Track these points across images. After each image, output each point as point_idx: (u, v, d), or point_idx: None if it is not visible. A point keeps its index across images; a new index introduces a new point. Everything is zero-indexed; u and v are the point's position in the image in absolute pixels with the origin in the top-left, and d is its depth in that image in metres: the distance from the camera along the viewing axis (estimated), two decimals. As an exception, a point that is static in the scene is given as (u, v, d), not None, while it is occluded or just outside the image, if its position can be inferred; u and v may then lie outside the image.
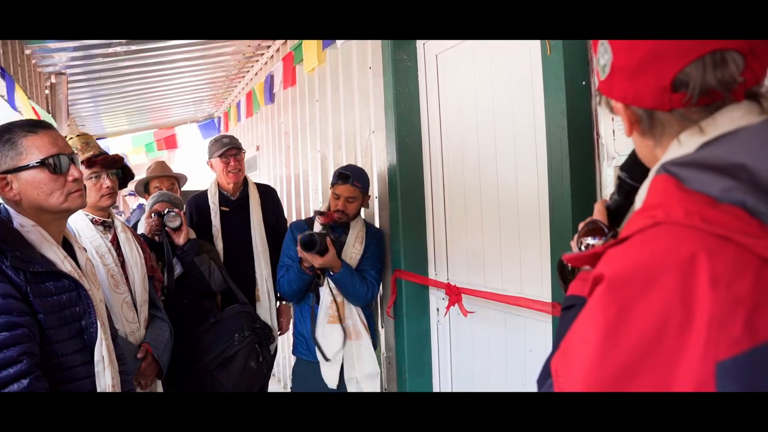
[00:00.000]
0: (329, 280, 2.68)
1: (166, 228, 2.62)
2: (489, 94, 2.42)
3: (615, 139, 1.71)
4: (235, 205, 3.17)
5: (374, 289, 2.76)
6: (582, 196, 1.80)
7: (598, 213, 1.02)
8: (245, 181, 3.27)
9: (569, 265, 1.05)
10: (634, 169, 0.95)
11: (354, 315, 2.72)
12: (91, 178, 2.13)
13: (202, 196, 3.24)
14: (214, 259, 2.87)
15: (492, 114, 2.41)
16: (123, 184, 2.37)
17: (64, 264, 1.49)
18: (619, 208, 1.01)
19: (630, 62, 0.72)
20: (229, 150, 3.11)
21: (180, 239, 2.68)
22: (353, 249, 2.73)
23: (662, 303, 0.59)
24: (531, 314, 2.19)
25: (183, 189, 4.06)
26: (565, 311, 0.93)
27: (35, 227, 1.47)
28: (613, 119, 1.71)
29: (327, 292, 2.70)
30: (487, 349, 2.53)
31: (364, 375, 2.71)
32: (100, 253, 2.11)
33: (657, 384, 0.59)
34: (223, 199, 3.18)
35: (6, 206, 1.49)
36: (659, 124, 0.73)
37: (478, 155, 2.52)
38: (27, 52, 4.10)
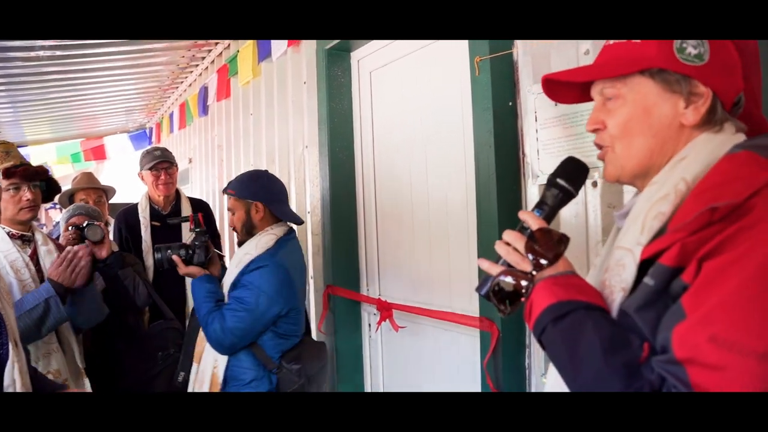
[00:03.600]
0: None
1: (87, 241, 2.48)
2: (421, 112, 2.47)
3: (539, 159, 1.78)
4: (166, 220, 3.07)
5: (222, 333, 2.00)
6: (508, 213, 1.86)
7: (537, 221, 0.97)
8: (177, 195, 3.18)
9: (513, 281, 0.94)
10: (575, 178, 1.02)
11: (209, 359, 2.14)
12: (9, 189, 2.00)
13: (132, 209, 3.11)
14: (139, 273, 2.76)
15: (423, 131, 2.46)
16: (48, 198, 2.25)
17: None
18: (549, 218, 1.01)
19: (728, 62, 0.90)
20: (160, 163, 3.02)
21: (102, 252, 2.55)
22: (229, 275, 2.16)
23: None
24: (461, 329, 2.23)
25: (111, 202, 3.89)
26: (559, 321, 0.87)
27: None
28: (537, 139, 1.78)
29: None
30: (419, 364, 2.55)
31: None
32: (16, 267, 1.98)
33: None
34: (153, 213, 3.07)
35: None
36: (716, 115, 0.90)
37: (409, 172, 2.56)
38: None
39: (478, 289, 1.00)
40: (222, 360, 2.08)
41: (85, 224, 2.39)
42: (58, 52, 4.18)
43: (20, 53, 4.09)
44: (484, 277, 0.99)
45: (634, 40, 0.93)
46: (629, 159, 0.94)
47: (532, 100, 1.79)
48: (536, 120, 1.77)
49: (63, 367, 2.02)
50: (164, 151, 3.13)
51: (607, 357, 0.80)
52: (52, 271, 1.97)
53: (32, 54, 4.12)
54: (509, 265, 0.96)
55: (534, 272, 0.93)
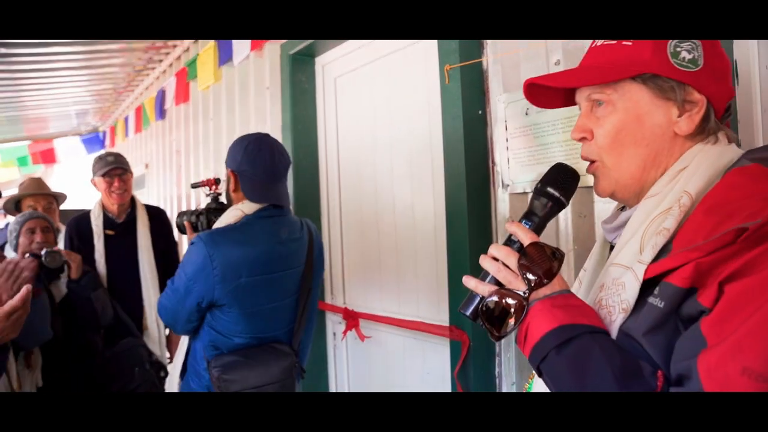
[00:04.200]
0: None
1: (46, 268, 2.35)
2: (387, 120, 2.46)
3: (510, 168, 1.78)
4: (120, 228, 2.94)
5: (161, 310, 1.87)
6: (478, 221, 1.85)
7: (529, 234, 0.90)
8: (133, 202, 3.05)
9: (505, 301, 0.88)
10: (566, 187, 0.95)
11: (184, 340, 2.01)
12: None
13: (84, 217, 2.96)
14: (104, 289, 2.65)
15: (389, 139, 2.44)
16: None
17: None
18: (539, 229, 0.95)
19: (720, 67, 0.88)
20: (114, 170, 2.88)
21: (73, 273, 2.43)
22: None
23: None
24: (428, 338, 2.22)
25: (63, 208, 3.72)
26: (563, 348, 0.80)
27: None
28: (508, 148, 1.78)
29: None
30: (385, 373, 2.52)
31: None
32: None
33: None
34: (107, 221, 2.93)
35: None
36: (710, 123, 0.88)
37: (375, 179, 2.54)
38: None
39: (463, 309, 0.92)
40: (186, 340, 1.94)
41: (43, 252, 2.28)
42: (3, 50, 3.99)
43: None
44: (469, 295, 0.92)
45: (624, 42, 0.88)
46: (622, 172, 0.90)
47: (502, 108, 1.79)
48: (506, 129, 1.78)
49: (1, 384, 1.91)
50: (118, 156, 3.00)
51: (620, 388, 0.74)
52: None
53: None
54: (498, 283, 0.89)
55: (528, 292, 0.86)
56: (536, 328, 0.83)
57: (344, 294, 2.78)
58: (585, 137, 0.93)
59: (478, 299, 0.90)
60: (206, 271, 1.70)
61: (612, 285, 0.84)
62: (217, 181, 2.09)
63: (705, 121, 0.87)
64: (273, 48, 3.06)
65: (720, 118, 0.89)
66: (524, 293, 0.86)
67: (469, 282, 0.91)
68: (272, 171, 1.83)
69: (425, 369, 2.26)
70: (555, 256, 0.87)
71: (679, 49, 0.85)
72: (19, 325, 1.40)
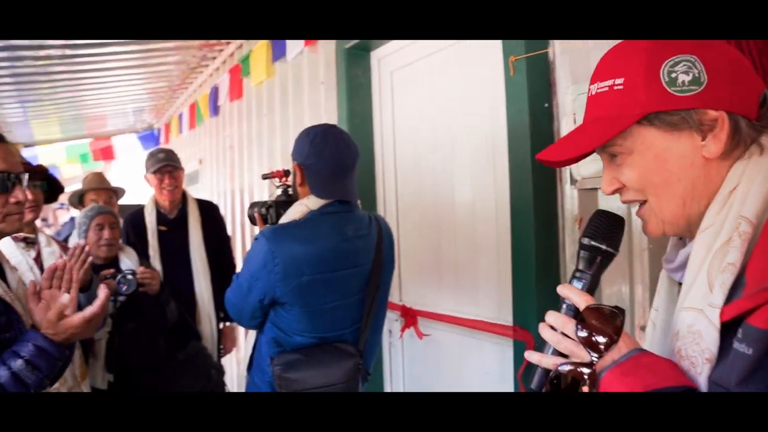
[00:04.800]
0: None
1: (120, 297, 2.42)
2: (446, 114, 2.40)
3: (578, 162, 1.71)
4: (173, 224, 2.98)
5: (227, 304, 1.87)
6: (544, 218, 1.79)
7: (583, 297, 0.85)
8: (184, 197, 3.09)
9: (572, 372, 0.82)
10: (612, 236, 0.88)
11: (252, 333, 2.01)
12: None
13: (139, 213, 3.02)
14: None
15: (449, 134, 2.39)
16: (51, 198, 2.20)
17: (-6, 286, 1.35)
18: (591, 287, 0.88)
19: (730, 69, 0.78)
20: (165, 166, 2.91)
21: (152, 290, 2.50)
22: None
23: None
24: (487, 337, 2.16)
25: (120, 203, 3.84)
26: None
27: None
28: (575, 142, 1.71)
29: None
30: (442, 373, 2.48)
31: None
32: (20, 271, 1.93)
33: None
34: (160, 217, 2.98)
35: None
36: (742, 134, 0.79)
37: (434, 175, 2.49)
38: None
39: (532, 384, 0.86)
40: (254, 334, 1.91)
41: (118, 277, 2.34)
42: (68, 51, 4.13)
43: (29, 52, 4.04)
44: (535, 368, 0.86)
45: (616, 84, 0.82)
46: (664, 212, 0.84)
47: (570, 101, 1.72)
48: (575, 122, 1.70)
49: (68, 373, 1.98)
50: (168, 153, 3.03)
51: None
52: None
53: (42, 53, 4.07)
54: (561, 354, 0.83)
55: (595, 359, 0.80)
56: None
57: (401, 291, 2.75)
58: (617, 188, 0.87)
59: (542, 372, 0.85)
60: (268, 268, 1.67)
61: (688, 333, 0.77)
62: (286, 173, 2.02)
63: (736, 134, 0.78)
64: (327, 43, 3.05)
65: (757, 117, 0.79)
66: (591, 362, 0.80)
67: (532, 356, 0.87)
68: (339, 164, 1.76)
69: (484, 369, 2.21)
70: (615, 316, 0.81)
71: (674, 75, 0.78)
72: (95, 326, 1.43)
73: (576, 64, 1.72)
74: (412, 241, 2.68)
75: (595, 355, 0.80)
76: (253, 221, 2.00)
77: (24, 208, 1.43)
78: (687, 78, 0.77)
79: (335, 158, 1.76)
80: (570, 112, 1.72)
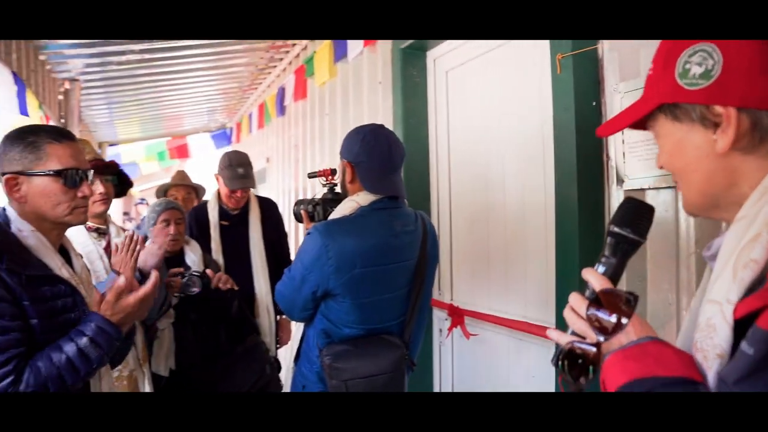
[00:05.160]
0: None
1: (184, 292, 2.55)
2: (498, 113, 2.39)
3: (625, 162, 1.66)
4: (234, 220, 3.09)
5: (278, 297, 1.92)
6: (589, 220, 1.75)
7: (600, 281, 0.87)
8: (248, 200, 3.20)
9: (580, 352, 0.85)
10: (638, 224, 0.89)
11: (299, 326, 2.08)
12: None
13: (203, 207, 3.15)
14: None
15: (500, 133, 2.37)
16: (121, 192, 2.35)
17: (62, 270, 1.47)
18: (615, 273, 0.88)
19: (755, 57, 0.74)
20: (238, 184, 2.93)
21: (227, 285, 2.61)
22: None
23: None
24: (534, 339, 2.14)
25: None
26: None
27: (34, 232, 1.44)
28: (623, 141, 1.67)
29: None
30: (489, 373, 2.46)
31: None
32: (90, 259, 2.07)
33: None
34: (222, 212, 3.09)
35: (7, 210, 1.47)
36: (765, 129, 0.76)
37: (485, 174, 2.48)
38: (42, 57, 4.13)
39: (552, 361, 0.89)
40: (301, 327, 1.98)
41: (185, 279, 2.45)
42: (147, 56, 4.39)
43: (115, 57, 4.33)
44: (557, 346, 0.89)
45: (651, 69, 0.84)
46: (688, 198, 0.86)
47: (619, 99, 1.67)
48: (623, 121, 1.66)
49: (131, 356, 2.12)
50: (248, 170, 2.98)
51: None
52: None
53: (124, 58, 4.36)
54: (577, 334, 0.86)
55: (601, 341, 0.81)
56: (610, 383, 0.79)
57: (452, 290, 2.76)
58: (661, 165, 0.90)
59: (558, 350, 0.87)
60: (321, 261, 1.73)
61: (705, 326, 0.76)
62: (333, 172, 2.09)
63: (756, 129, 0.75)
64: (385, 43, 3.10)
65: None
66: (597, 343, 0.82)
67: (552, 334, 0.91)
68: (389, 162, 1.82)
69: (530, 371, 2.19)
70: (628, 301, 0.82)
71: (688, 66, 0.77)
72: (148, 307, 1.54)
73: (625, 60, 1.67)
74: (464, 240, 2.68)
75: (602, 336, 0.81)
76: (299, 218, 2.06)
77: (88, 202, 1.54)
78: (699, 70, 0.77)
79: (385, 156, 1.81)
80: (618, 110, 1.68)
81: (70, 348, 1.34)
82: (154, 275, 1.52)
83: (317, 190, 4.25)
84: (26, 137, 1.42)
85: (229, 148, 7.95)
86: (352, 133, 1.89)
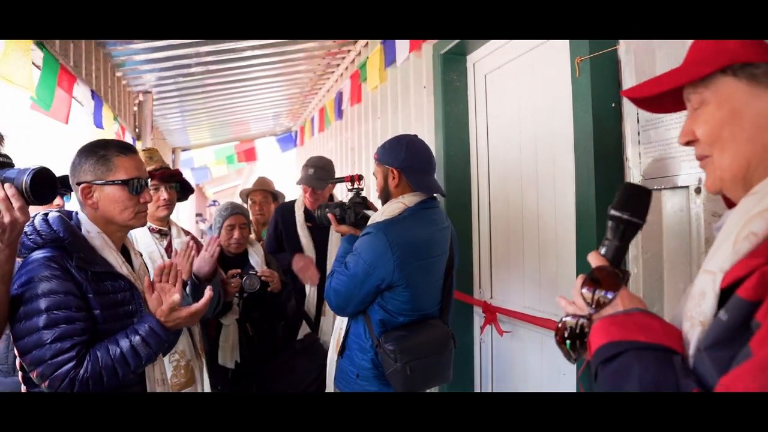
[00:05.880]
0: None
1: (245, 293, 2.73)
2: (532, 115, 2.43)
3: (641, 162, 1.69)
4: (316, 222, 3.23)
5: (329, 296, 2.04)
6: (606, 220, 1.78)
7: (597, 260, 0.95)
8: (331, 198, 3.32)
9: (573, 322, 0.92)
10: (636, 206, 0.93)
11: (340, 321, 2.18)
12: (150, 190, 2.29)
13: (289, 207, 3.34)
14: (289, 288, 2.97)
15: (534, 135, 2.42)
16: (183, 197, 2.57)
17: (122, 267, 1.66)
18: (617, 253, 0.94)
19: None
20: (302, 181, 3.16)
21: (274, 287, 2.77)
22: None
23: None
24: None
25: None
26: (607, 364, 0.80)
27: (100, 234, 1.64)
28: (639, 142, 1.69)
29: None
30: (525, 370, 2.51)
31: None
32: (153, 258, 2.30)
33: None
34: (307, 214, 3.26)
35: (78, 214, 1.69)
36: None
37: (520, 176, 2.53)
38: (118, 74, 4.49)
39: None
40: (345, 322, 2.13)
41: (244, 279, 2.65)
42: (214, 66, 4.67)
43: (184, 69, 4.63)
44: None
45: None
46: (725, 170, 0.82)
47: (635, 101, 1.70)
48: (638, 121, 1.69)
49: (188, 348, 2.30)
50: (318, 171, 3.16)
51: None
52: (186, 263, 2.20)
53: (192, 69, 4.66)
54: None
55: (592, 312, 0.88)
56: (593, 344, 0.84)
57: (491, 288, 2.82)
58: (689, 140, 0.87)
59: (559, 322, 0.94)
60: (387, 256, 1.91)
61: (696, 295, 0.78)
62: (360, 177, 2.26)
63: None
64: (429, 48, 3.19)
65: None
66: (588, 314, 0.89)
67: (560, 301, 0.99)
68: (430, 165, 2.08)
69: (561, 369, 2.23)
70: (615, 276, 0.89)
71: None
72: (198, 318, 1.70)
73: (641, 61, 1.69)
74: (501, 240, 2.73)
75: (593, 309, 0.89)
76: (324, 221, 2.21)
77: (148, 207, 1.74)
78: None
79: (428, 160, 2.08)
80: (634, 111, 1.71)
81: (124, 343, 1.51)
82: (207, 294, 1.68)
83: (371, 192, 4.39)
84: (98, 151, 1.62)
85: (294, 151, 8.25)
86: (394, 142, 2.10)
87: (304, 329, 3.10)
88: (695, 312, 0.78)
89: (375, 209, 2.18)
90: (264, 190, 4.04)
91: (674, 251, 1.59)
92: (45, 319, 1.42)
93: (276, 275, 2.80)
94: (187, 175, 7.80)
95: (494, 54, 2.74)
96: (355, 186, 2.25)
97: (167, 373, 1.96)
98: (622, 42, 1.75)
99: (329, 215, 2.19)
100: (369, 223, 2.02)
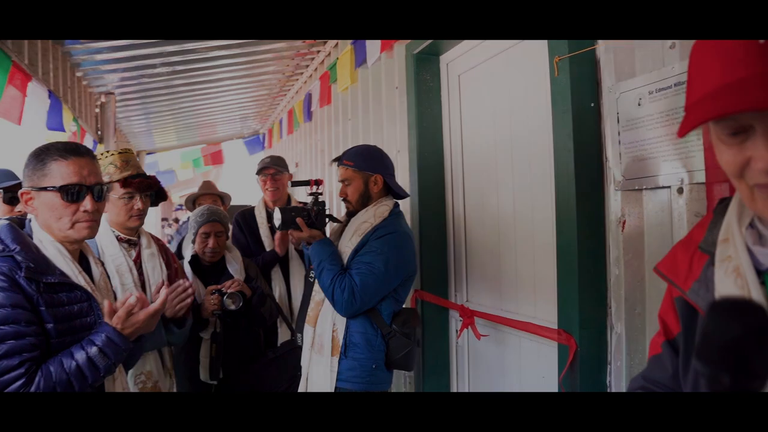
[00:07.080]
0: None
1: (224, 309, 2.58)
2: (508, 115, 2.40)
3: (621, 163, 1.66)
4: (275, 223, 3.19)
5: (352, 296, 2.02)
6: (588, 221, 1.75)
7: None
8: (289, 200, 3.30)
9: None
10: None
11: (326, 323, 2.15)
12: (124, 197, 2.13)
13: (250, 212, 3.29)
14: (269, 294, 2.88)
15: (510, 135, 2.38)
16: (155, 203, 2.43)
17: (78, 277, 1.55)
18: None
19: None
20: (267, 169, 3.16)
21: (248, 291, 2.65)
22: (348, 242, 2.16)
23: None
24: (544, 340, 2.14)
25: (232, 204, 4.25)
26: None
27: (53, 242, 1.53)
28: (620, 142, 1.66)
29: (316, 287, 2.25)
30: (503, 374, 2.47)
31: None
32: (120, 272, 2.12)
33: None
34: (269, 216, 3.18)
35: (31, 221, 1.57)
36: None
37: (496, 177, 2.49)
38: (78, 74, 4.32)
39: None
40: (341, 323, 2.11)
41: (226, 294, 2.51)
42: (180, 67, 4.54)
43: (148, 70, 4.49)
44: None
45: None
46: None
47: (614, 99, 1.67)
48: (618, 121, 1.66)
49: (155, 369, 2.18)
50: (274, 158, 3.26)
51: None
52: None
53: (157, 70, 4.52)
54: None
55: None
56: None
57: (466, 292, 2.78)
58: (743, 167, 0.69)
59: None
60: (411, 252, 2.16)
61: None
62: (317, 182, 2.37)
63: None
64: (401, 49, 3.14)
65: None
66: None
67: None
68: (394, 170, 2.33)
69: (540, 372, 2.19)
70: None
71: None
72: (155, 322, 1.61)
73: (621, 60, 1.67)
74: (476, 242, 2.69)
75: None
76: (290, 226, 2.19)
77: (97, 216, 1.61)
78: None
79: (392, 166, 2.31)
80: (614, 111, 1.68)
81: (80, 356, 1.42)
82: (163, 294, 1.60)
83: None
84: (38, 155, 1.51)
85: (262, 154, 8.12)
86: (371, 150, 2.28)
87: (285, 334, 2.98)
88: None
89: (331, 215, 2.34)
90: (212, 194, 3.98)
91: (656, 252, 1.56)
92: None
93: (244, 285, 2.65)
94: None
95: (468, 54, 2.70)
96: (314, 190, 2.28)
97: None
98: (600, 41, 1.73)
99: (298, 220, 2.15)
100: (362, 224, 2.13)
